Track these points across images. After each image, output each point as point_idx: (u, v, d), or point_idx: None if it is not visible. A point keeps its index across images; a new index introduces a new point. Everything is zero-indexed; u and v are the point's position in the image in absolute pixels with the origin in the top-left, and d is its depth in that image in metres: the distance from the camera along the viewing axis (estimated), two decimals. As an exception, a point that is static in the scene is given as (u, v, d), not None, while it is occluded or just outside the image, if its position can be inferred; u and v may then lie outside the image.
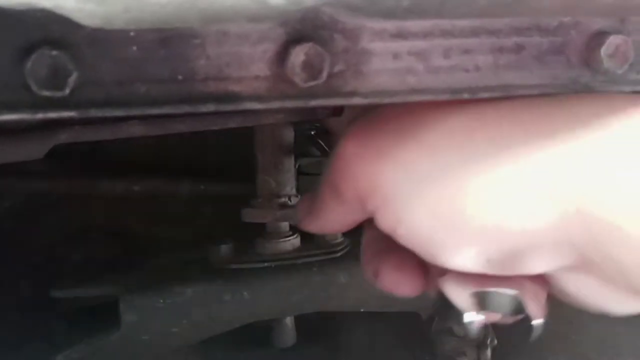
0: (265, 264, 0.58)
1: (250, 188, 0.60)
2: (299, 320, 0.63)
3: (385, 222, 0.32)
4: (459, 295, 0.32)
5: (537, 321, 0.32)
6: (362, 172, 0.32)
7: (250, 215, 0.58)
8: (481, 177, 0.29)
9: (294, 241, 0.60)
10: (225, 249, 0.60)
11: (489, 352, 0.61)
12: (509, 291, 0.32)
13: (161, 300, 0.56)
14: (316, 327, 0.65)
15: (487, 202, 0.29)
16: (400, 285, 0.36)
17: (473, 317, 0.31)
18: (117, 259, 0.68)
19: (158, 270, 0.62)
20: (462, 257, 0.31)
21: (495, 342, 0.61)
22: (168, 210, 0.70)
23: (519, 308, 0.32)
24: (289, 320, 0.63)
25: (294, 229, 0.61)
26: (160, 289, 0.57)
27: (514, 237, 0.29)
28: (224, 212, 0.68)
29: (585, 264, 0.29)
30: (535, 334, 0.32)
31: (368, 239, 0.39)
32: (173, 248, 0.69)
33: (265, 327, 0.62)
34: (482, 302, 0.32)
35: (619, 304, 0.32)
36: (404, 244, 0.32)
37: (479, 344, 0.61)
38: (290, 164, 0.60)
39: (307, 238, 0.61)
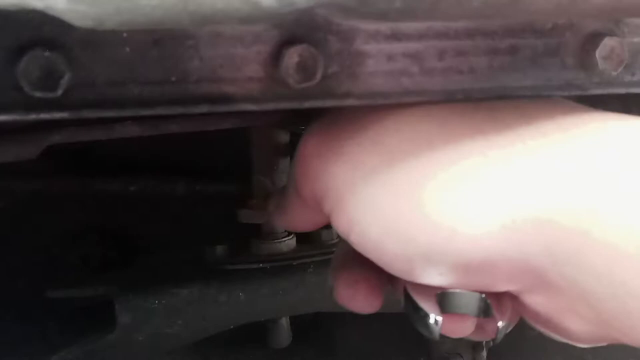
0: (261, 265, 0.58)
1: (246, 188, 0.60)
2: (294, 320, 0.63)
3: (339, 226, 0.31)
4: (424, 296, 0.31)
5: (503, 322, 0.31)
6: (318, 172, 0.32)
7: (247, 215, 0.58)
8: (437, 181, 0.28)
9: (290, 242, 0.60)
10: (220, 249, 0.60)
11: (484, 353, 0.61)
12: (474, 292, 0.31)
13: (156, 301, 0.56)
14: (311, 327, 0.65)
15: (441, 207, 0.28)
16: (353, 302, 0.35)
17: (438, 318, 0.31)
18: (112, 259, 0.68)
19: (153, 270, 0.62)
20: (416, 270, 0.29)
21: (491, 343, 0.61)
22: (163, 210, 0.69)
23: (485, 309, 0.31)
24: (284, 321, 0.63)
25: (290, 230, 0.61)
26: (155, 290, 0.56)
27: (465, 246, 0.27)
28: (219, 213, 0.68)
29: (544, 287, 0.28)
30: (500, 335, 0.32)
31: (339, 249, 0.39)
32: (169, 248, 0.68)
33: (260, 328, 0.62)
34: (447, 302, 0.31)
35: (583, 336, 0.30)
36: (358, 249, 0.31)
37: (475, 345, 0.61)
38: (286, 165, 0.60)
39: (303, 239, 0.61)
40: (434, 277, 0.29)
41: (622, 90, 0.31)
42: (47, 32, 0.24)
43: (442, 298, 0.31)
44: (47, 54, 0.24)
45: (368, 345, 0.66)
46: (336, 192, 0.31)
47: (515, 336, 0.68)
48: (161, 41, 0.25)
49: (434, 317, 0.31)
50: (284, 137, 0.59)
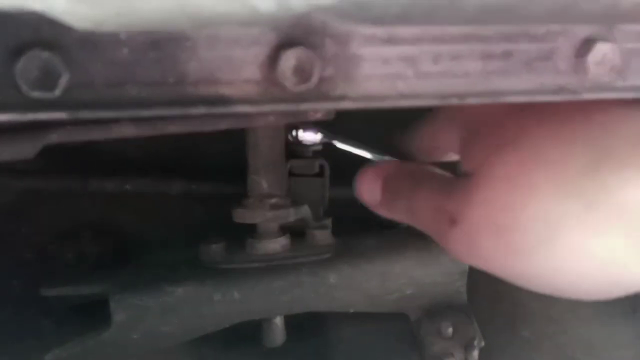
0: (256, 264, 0.58)
1: (241, 188, 0.60)
2: (289, 320, 0.63)
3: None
4: None
5: None
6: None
7: (241, 215, 0.58)
8: None
9: (284, 242, 0.60)
10: (216, 248, 0.60)
11: (476, 353, 0.61)
12: None
13: (151, 300, 0.56)
14: (305, 327, 0.66)
15: None
16: None
17: None
18: (107, 257, 0.68)
19: (148, 269, 0.62)
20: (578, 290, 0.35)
21: (483, 343, 0.62)
22: (159, 209, 0.69)
23: None
24: (278, 320, 0.63)
25: (285, 230, 0.61)
26: (150, 288, 0.56)
27: None
28: (215, 212, 0.68)
29: None
30: None
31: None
32: (164, 247, 0.68)
33: (255, 327, 0.62)
34: None
35: None
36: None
37: (467, 345, 0.61)
38: (281, 165, 0.60)
39: (297, 239, 0.61)
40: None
41: (614, 96, 0.32)
42: (46, 32, 0.24)
43: None
44: (45, 54, 0.24)
45: (361, 344, 0.67)
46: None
47: (508, 336, 0.68)
48: (159, 43, 0.25)
49: None
50: (280, 138, 0.59)
